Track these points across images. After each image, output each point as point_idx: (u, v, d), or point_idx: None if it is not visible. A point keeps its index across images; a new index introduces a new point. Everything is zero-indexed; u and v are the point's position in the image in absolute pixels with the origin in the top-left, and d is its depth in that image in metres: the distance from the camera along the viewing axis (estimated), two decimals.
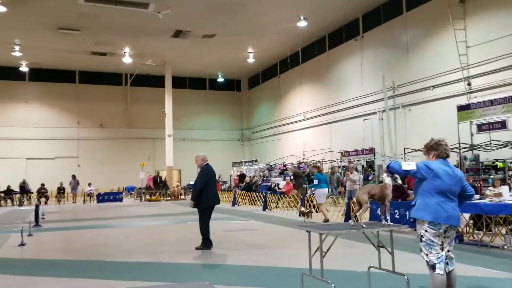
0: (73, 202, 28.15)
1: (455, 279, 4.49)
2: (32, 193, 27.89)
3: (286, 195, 18.67)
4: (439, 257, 4.35)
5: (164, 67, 32.40)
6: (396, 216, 10.49)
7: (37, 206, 15.11)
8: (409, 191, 11.21)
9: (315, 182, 13.92)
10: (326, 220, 13.31)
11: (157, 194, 29.06)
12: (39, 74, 33.91)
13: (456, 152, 15.57)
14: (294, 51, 31.04)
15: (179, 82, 36.23)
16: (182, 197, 29.33)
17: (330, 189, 20.75)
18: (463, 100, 17.64)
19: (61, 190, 28.69)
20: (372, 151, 22.94)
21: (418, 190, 4.52)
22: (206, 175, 9.13)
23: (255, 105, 38.86)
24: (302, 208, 14.54)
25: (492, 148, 15.68)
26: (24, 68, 31.93)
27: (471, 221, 9.56)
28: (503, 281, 6.11)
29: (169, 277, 6.76)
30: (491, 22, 17.41)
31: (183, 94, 36.53)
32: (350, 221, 5.68)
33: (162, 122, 31.67)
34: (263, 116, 37.04)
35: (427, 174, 4.42)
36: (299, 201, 16.54)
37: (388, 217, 5.15)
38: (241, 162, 34.71)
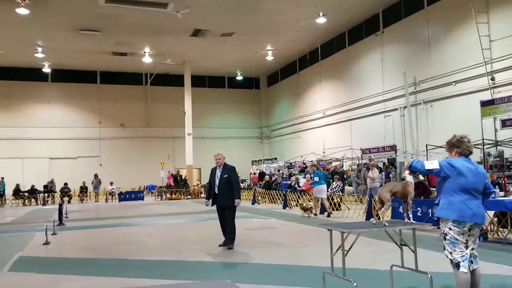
0: (95, 201, 28.62)
1: (480, 278, 4.43)
2: (56, 192, 28.43)
3: (306, 193, 18.60)
4: (463, 255, 4.30)
5: (183, 66, 32.60)
6: (419, 214, 10.36)
7: (60, 205, 15.42)
8: (432, 189, 11.05)
9: (316, 179, 15.03)
10: (329, 214, 14.64)
11: (178, 192, 29.30)
12: (61, 75, 34.47)
13: (479, 148, 15.29)
14: (313, 47, 30.86)
15: (198, 81, 36.40)
16: (202, 195, 29.50)
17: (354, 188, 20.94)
18: (486, 95, 17.29)
19: (83, 189, 29.21)
20: (393, 148, 22.68)
21: (442, 188, 4.46)
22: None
23: (274, 102, 38.80)
24: (304, 204, 15.39)
25: None
26: (46, 69, 32.54)
27: (496, 219, 9.38)
28: None
29: (191, 275, 6.79)
30: None
31: (202, 93, 36.69)
32: (372, 219, 5.64)
33: (181, 121, 31.89)
34: (282, 114, 36.96)
35: (451, 172, 4.35)
36: (302, 198, 17.93)
37: (410, 215, 5.10)
38: (261, 160, 34.72)
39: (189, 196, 29.16)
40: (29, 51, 28.23)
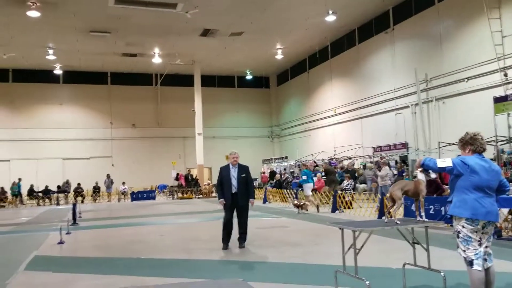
0: (108, 201, 28.87)
1: (494, 276, 4.39)
2: (69, 192, 28.73)
3: (317, 192, 18.56)
4: (477, 253, 4.27)
5: (193, 66, 32.70)
6: (431, 211, 10.29)
7: (74, 205, 15.57)
8: (444, 186, 10.97)
9: (304, 177, 16.13)
10: (317, 207, 16.06)
11: (189, 192, 29.42)
12: (72, 77, 34.77)
13: (493, 145, 15.15)
14: (323, 46, 30.75)
15: (208, 81, 36.50)
16: (213, 194, 29.57)
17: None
18: (499, 92, 17.12)
19: (96, 189, 29.48)
20: (405, 145, 22.53)
21: (455, 186, 4.43)
22: None
23: (284, 101, 38.75)
24: (296, 201, 16.18)
25: None
26: (58, 71, 32.83)
27: (510, 216, 9.29)
28: None
29: (204, 274, 6.82)
30: None
31: (212, 93, 36.76)
32: (383, 217, 5.62)
33: (192, 120, 32.01)
34: (292, 113, 36.91)
35: (464, 170, 4.32)
36: (293, 196, 18.97)
37: (422, 213, 5.06)
38: (271, 159, 34.70)
39: (200, 196, 29.26)
40: (41, 53, 28.51)
